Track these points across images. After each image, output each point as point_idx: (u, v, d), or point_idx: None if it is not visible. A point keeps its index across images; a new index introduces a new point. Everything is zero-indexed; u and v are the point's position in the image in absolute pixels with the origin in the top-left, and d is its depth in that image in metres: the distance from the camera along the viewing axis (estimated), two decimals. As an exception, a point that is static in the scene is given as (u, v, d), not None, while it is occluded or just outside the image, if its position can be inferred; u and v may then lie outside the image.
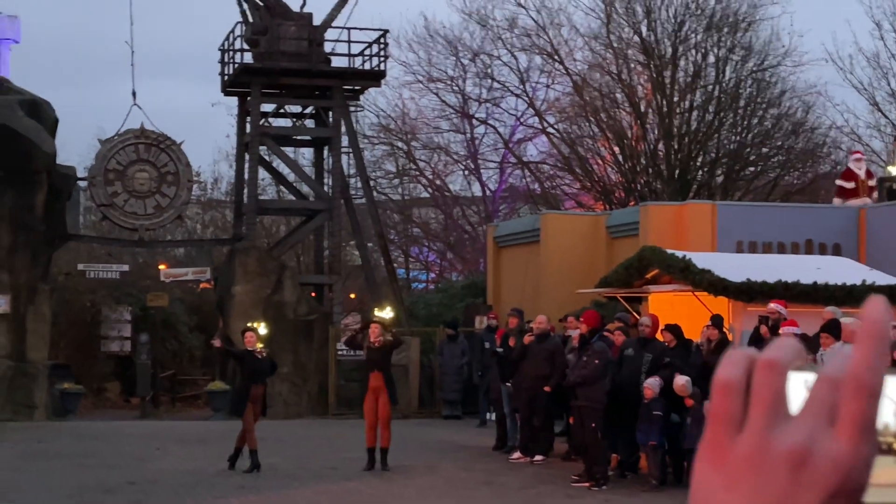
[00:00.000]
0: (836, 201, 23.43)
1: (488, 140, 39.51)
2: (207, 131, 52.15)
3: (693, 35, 33.75)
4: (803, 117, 34.36)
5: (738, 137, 33.59)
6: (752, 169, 34.48)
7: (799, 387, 0.82)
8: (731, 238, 21.83)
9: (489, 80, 37.90)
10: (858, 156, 24.03)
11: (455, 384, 23.60)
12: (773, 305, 15.25)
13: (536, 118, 37.40)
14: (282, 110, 29.00)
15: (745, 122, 33.66)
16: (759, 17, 33.98)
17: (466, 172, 40.38)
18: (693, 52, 33.80)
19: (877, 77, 34.00)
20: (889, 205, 22.45)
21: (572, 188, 36.81)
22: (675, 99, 33.46)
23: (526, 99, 37.45)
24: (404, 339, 21.00)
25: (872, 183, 23.63)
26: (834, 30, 55.88)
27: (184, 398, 28.69)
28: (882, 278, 16.74)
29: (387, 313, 16.90)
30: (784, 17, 33.71)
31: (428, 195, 41.28)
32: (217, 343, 17.73)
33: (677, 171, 32.98)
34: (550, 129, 36.88)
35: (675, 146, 33.18)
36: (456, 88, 38.36)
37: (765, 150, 34.27)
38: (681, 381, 14.47)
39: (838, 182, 23.63)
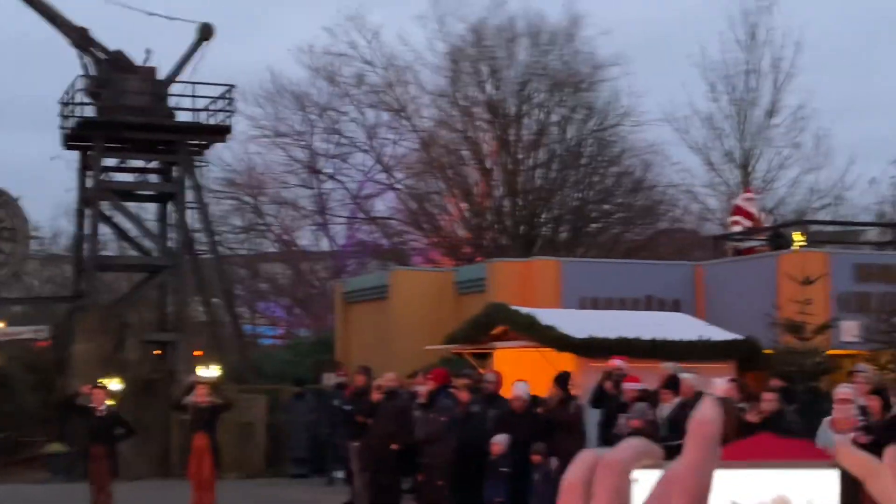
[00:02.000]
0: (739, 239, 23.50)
1: (336, 195, 39.53)
2: (46, 184, 50.99)
3: (537, 94, 34.55)
4: (643, 175, 35.40)
5: (580, 194, 34.38)
6: (595, 225, 35.30)
7: (648, 485, 0.86)
8: (576, 294, 22.25)
9: (337, 136, 38.00)
10: (750, 195, 24.55)
11: (303, 442, 23.33)
12: (615, 361, 15.59)
13: (384, 174, 37.62)
14: (125, 165, 28.48)
15: (588, 180, 34.50)
16: (600, 78, 35.05)
17: (314, 227, 40.28)
18: (537, 111, 34.59)
19: (711, 138, 35.36)
20: (724, 261, 23.24)
21: (420, 244, 37.05)
22: (520, 156, 34.11)
23: (374, 155, 37.67)
24: (249, 397, 20.72)
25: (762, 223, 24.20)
26: (671, 91, 57.94)
27: (19, 461, 27.61)
28: (718, 334, 17.30)
29: (212, 372, 16.64)
30: (624, 78, 34.73)
31: (275, 250, 40.97)
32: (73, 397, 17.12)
33: (522, 228, 33.55)
34: (398, 185, 37.13)
35: (521, 203, 33.77)
36: (304, 143, 38.33)
37: (607, 206, 35.14)
38: (498, 439, 14.62)
39: (734, 218, 24.03)
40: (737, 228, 23.68)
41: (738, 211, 23.42)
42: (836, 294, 20.36)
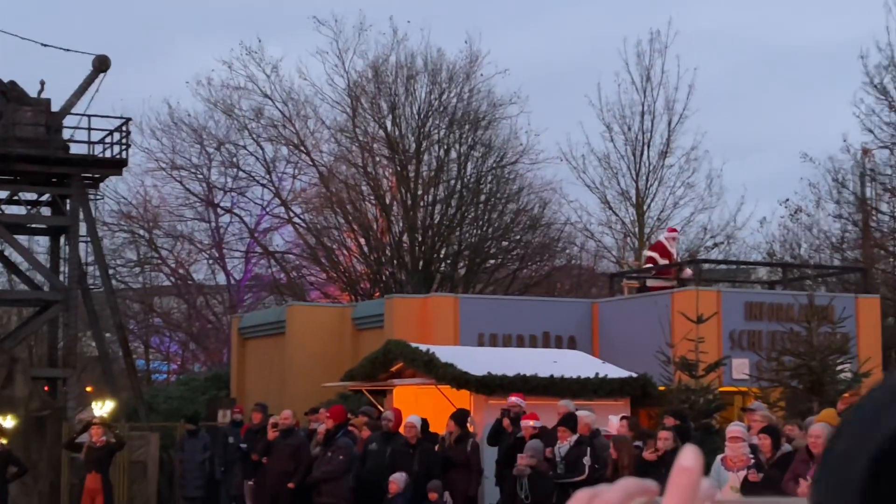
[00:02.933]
0: (651, 282, 23.48)
1: (234, 229, 39.22)
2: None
3: (436, 131, 34.78)
4: (540, 213, 35.79)
5: (479, 231, 34.61)
6: (493, 262, 35.55)
7: None
8: (474, 330, 22.34)
9: (235, 169, 37.75)
10: (674, 234, 24.63)
11: (197, 481, 22.93)
12: (513, 399, 15.69)
13: (282, 208, 37.44)
14: (16, 197, 27.90)
15: (486, 217, 34.75)
16: (499, 115, 35.43)
17: (211, 261, 39.87)
18: (436, 147, 34.80)
19: (607, 177, 35.90)
20: (618, 299, 23.56)
21: (318, 279, 36.90)
22: (419, 192, 34.25)
23: (272, 189, 37.49)
24: (141, 435, 20.35)
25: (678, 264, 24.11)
26: (568, 130, 58.82)
27: None
28: (614, 371, 17.53)
29: (104, 409, 16.36)
30: (522, 116, 35.16)
31: (170, 284, 40.43)
32: None
33: (421, 263, 33.63)
34: (296, 220, 36.98)
35: (420, 238, 33.87)
36: (201, 177, 37.99)
37: (505, 243, 35.42)
38: (396, 477, 14.62)
39: (649, 253, 23.98)
40: (648, 265, 23.95)
41: (658, 247, 23.53)
42: (727, 332, 20.78)
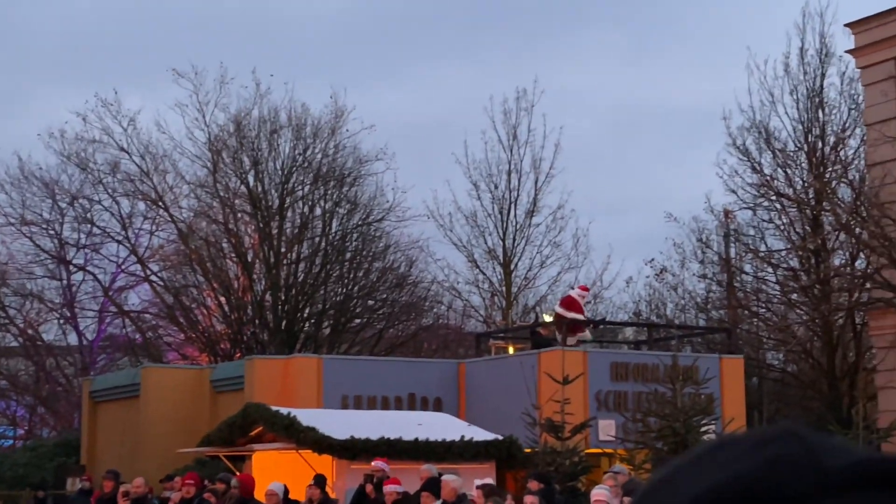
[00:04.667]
0: (566, 337, 23.36)
1: (87, 287, 38.34)
2: None
3: (300, 187, 34.70)
4: (406, 271, 35.91)
5: (344, 289, 34.52)
6: (358, 321, 35.46)
7: None
8: (338, 392, 22.21)
9: (88, 225, 36.99)
10: (584, 292, 24.64)
11: (42, 553, 22.20)
12: (376, 463, 15.59)
13: (139, 265, 36.77)
14: None
15: (352, 275, 34.71)
16: (365, 172, 35.54)
17: (62, 321, 38.84)
18: (300, 203, 34.70)
19: (474, 235, 36.27)
20: (486, 359, 23.70)
21: (176, 339, 36.26)
22: (283, 250, 34.05)
23: (128, 245, 36.81)
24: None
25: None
26: (435, 188, 59.31)
27: None
28: (479, 433, 17.58)
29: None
30: (388, 173, 35.33)
31: (18, 345, 39.23)
32: None
33: (284, 323, 33.35)
34: (154, 278, 36.34)
35: (282, 297, 33.61)
36: (52, 232, 37.12)
37: (370, 302, 35.38)
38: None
39: (559, 310, 23.84)
40: (549, 318, 24.08)
41: (570, 303, 23.49)
42: (593, 392, 21.05)
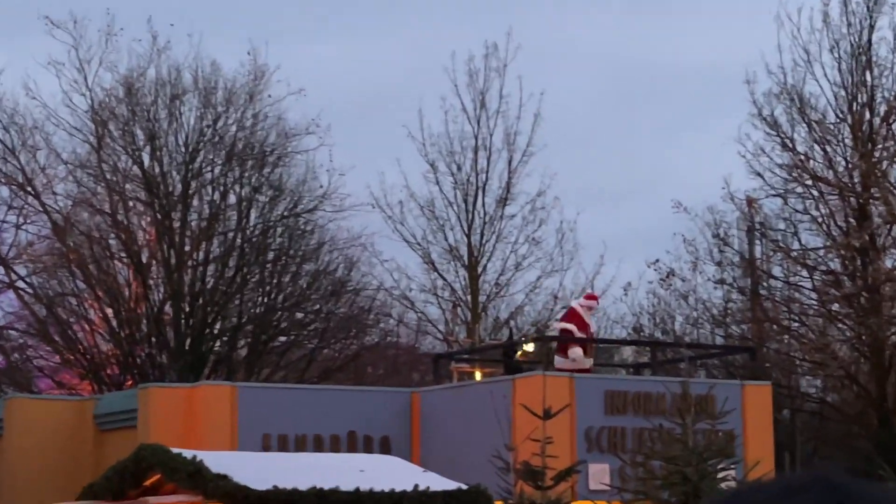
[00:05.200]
0: (559, 360, 23.22)
1: (-66, 296, 38.01)
2: None
3: (209, 168, 34.58)
4: (346, 275, 35.87)
5: (266, 299, 34.47)
6: (283, 339, 35.41)
7: None
8: (258, 430, 22.16)
9: (-63, 216, 36.72)
10: (593, 302, 24.38)
11: None
12: (306, 520, 15.58)
13: (1, 268, 36.51)
14: None
15: (275, 280, 34.67)
16: (292, 149, 35.47)
17: None
18: (209, 189, 34.61)
19: (432, 230, 36.26)
20: (445, 387, 23.72)
21: (50, 362, 36.06)
22: (187, 248, 33.94)
23: (-12, 242, 36.58)
24: None
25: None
26: (382, 169, 58.96)
27: None
28: (437, 482, 17.59)
29: None
30: (322, 150, 35.16)
31: None
32: None
33: (188, 342, 33.25)
34: (21, 284, 36.11)
35: (186, 309, 33.51)
36: None
37: (299, 315, 35.34)
38: None
39: (562, 325, 23.77)
40: (530, 347, 24.03)
41: (573, 317, 23.38)
42: (582, 429, 21.11)
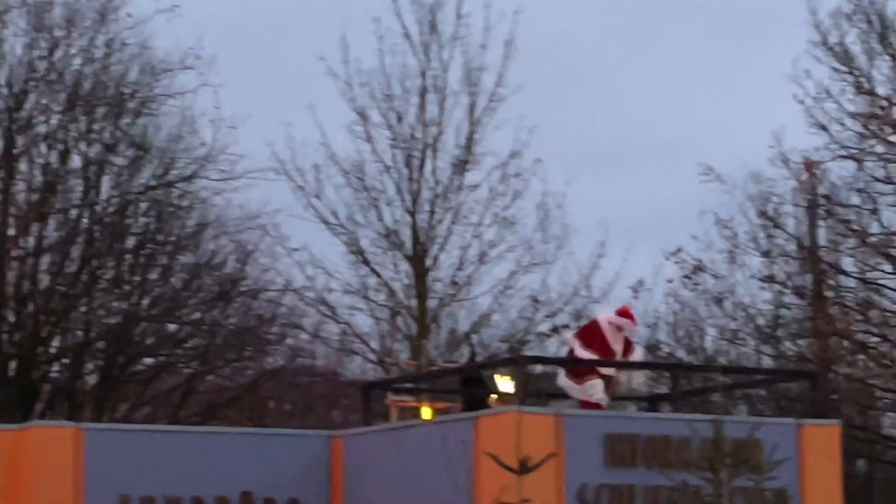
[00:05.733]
0: (567, 383, 22.99)
1: None
2: None
3: (43, 119, 34.50)
4: (239, 271, 35.76)
5: (125, 304, 34.32)
6: (149, 361, 35.27)
7: None
8: (110, 490, 22.10)
9: None
10: (627, 321, 23.78)
11: None
12: None
13: None
14: None
15: (138, 278, 34.57)
16: (162, 91, 35.41)
17: None
18: (44, 147, 34.47)
19: (361, 206, 36.12)
20: (379, 429, 23.70)
21: None
22: (11, 232, 33.77)
23: None
24: None
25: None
26: (289, 120, 58.57)
27: None
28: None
29: None
30: (205, 93, 34.74)
31: None
32: None
33: (15, 365, 33.17)
34: None
35: (12, 318, 33.46)
36: None
37: (172, 327, 35.25)
38: None
39: (576, 346, 23.44)
40: (508, 386, 23.99)
41: (594, 337, 23.07)
42: (574, 487, 21.11)
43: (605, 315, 23.41)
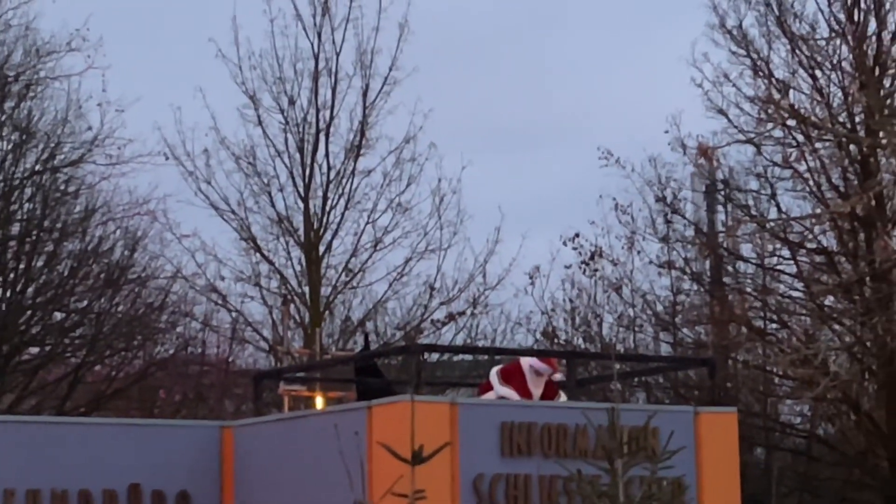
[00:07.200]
0: (502, 390, 23.06)
1: None
2: None
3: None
4: (127, 258, 35.65)
5: (7, 292, 34.21)
6: (34, 350, 35.13)
7: None
8: (-6, 483, 21.98)
9: None
10: (549, 370, 23.84)
11: None
12: None
13: None
14: None
15: (21, 265, 34.38)
16: (47, 74, 35.21)
17: None
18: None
19: (252, 191, 36.15)
20: (271, 420, 23.70)
21: None
22: None
23: None
24: None
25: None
26: (179, 103, 58.46)
27: None
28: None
29: None
30: (91, 76, 34.63)
31: None
32: None
33: None
34: None
35: None
36: None
37: (58, 315, 35.13)
38: None
39: (496, 384, 23.34)
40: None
41: (514, 375, 23.14)
42: (469, 478, 21.15)
43: (526, 360, 23.65)
